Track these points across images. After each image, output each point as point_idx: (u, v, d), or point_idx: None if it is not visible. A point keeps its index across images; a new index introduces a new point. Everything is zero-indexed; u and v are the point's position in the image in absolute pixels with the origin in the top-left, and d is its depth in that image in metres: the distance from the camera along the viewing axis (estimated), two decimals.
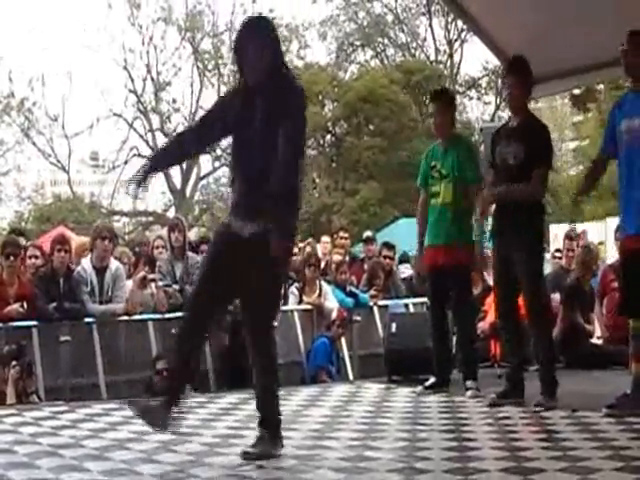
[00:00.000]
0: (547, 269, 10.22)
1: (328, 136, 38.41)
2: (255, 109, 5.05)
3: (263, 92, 5.05)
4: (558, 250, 11.97)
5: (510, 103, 7.26)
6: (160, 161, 5.54)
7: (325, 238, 13.37)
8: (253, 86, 5.11)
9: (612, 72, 8.66)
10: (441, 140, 7.91)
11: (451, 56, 41.60)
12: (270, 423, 5.12)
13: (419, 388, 7.77)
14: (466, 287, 7.85)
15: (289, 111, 5.00)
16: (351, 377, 9.95)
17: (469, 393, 7.42)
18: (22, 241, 9.96)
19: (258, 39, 5.09)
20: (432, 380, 7.78)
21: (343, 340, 10.32)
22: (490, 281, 9.97)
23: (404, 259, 12.77)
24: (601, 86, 27.14)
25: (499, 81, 38.28)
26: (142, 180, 5.26)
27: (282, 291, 5.54)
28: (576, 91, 27.65)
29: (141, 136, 39.03)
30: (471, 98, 42.22)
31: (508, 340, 7.27)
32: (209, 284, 5.15)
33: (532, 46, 8.36)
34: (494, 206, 7.26)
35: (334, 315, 10.18)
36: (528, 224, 6.83)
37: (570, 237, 11.02)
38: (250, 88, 5.13)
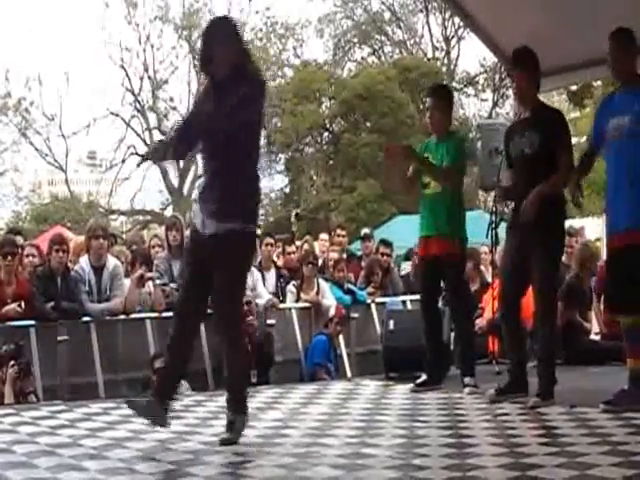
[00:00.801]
0: None
1: (325, 133, 38.41)
2: (217, 105, 5.21)
3: (226, 88, 5.22)
4: None
5: (519, 95, 7.20)
6: (177, 148, 5.54)
7: (324, 236, 13.37)
8: (218, 83, 5.30)
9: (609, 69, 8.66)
10: (435, 134, 7.91)
11: (448, 53, 41.60)
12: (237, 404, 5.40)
13: (410, 386, 7.76)
14: (460, 279, 7.83)
15: (242, 101, 5.18)
16: (349, 374, 9.97)
17: (467, 390, 7.42)
18: (19, 240, 9.95)
19: (222, 38, 5.30)
20: (423, 377, 7.77)
21: (341, 337, 10.34)
22: (488, 277, 10.01)
23: (409, 257, 12.71)
24: (598, 82, 27.09)
25: (496, 78, 38.38)
26: (162, 156, 5.52)
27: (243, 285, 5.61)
28: (573, 87, 27.58)
29: (138, 135, 39.06)
30: (468, 95, 42.23)
31: (509, 336, 7.21)
32: (191, 289, 5.46)
33: (529, 43, 8.35)
34: (504, 199, 7.25)
35: (332, 312, 10.19)
36: (549, 217, 6.71)
37: (569, 233, 11.00)
38: (215, 85, 5.32)
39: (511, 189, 7.17)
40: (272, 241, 11.26)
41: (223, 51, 5.26)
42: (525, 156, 6.87)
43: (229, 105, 5.15)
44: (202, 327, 9.23)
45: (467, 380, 7.55)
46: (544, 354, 6.86)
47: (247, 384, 5.57)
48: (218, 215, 5.25)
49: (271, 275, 10.84)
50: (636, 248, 6.19)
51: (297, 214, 13.44)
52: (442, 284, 7.83)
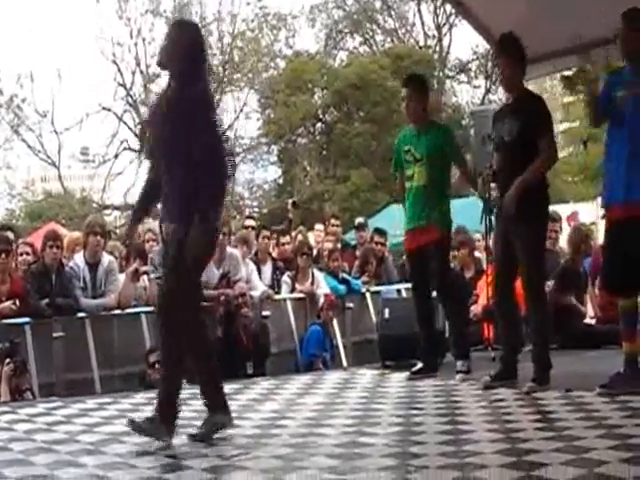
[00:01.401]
0: None
1: (318, 124, 38.36)
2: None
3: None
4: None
5: (503, 82, 7.23)
6: (145, 203, 5.88)
7: (319, 226, 13.37)
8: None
9: (602, 52, 8.64)
10: (414, 124, 7.92)
11: (440, 40, 41.54)
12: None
13: (406, 374, 7.78)
14: (445, 266, 7.89)
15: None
16: (345, 364, 9.98)
17: (458, 376, 7.45)
18: (10, 236, 9.91)
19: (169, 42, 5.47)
20: (419, 366, 7.79)
21: (336, 327, 10.34)
22: (483, 264, 10.01)
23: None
24: (590, 67, 27.10)
25: (489, 65, 38.31)
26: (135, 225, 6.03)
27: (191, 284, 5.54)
28: (567, 72, 27.62)
29: (131, 129, 38.89)
30: (461, 82, 42.17)
31: (503, 321, 7.25)
32: None
33: (521, 28, 8.32)
34: (495, 186, 7.25)
35: (321, 300, 10.20)
36: (532, 205, 6.76)
37: (553, 219, 10.99)
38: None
39: (497, 173, 7.20)
40: (268, 234, 11.26)
41: (169, 56, 5.46)
42: (505, 143, 6.93)
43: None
44: None
45: (459, 365, 7.58)
46: (538, 339, 6.89)
47: (213, 380, 5.52)
48: (170, 217, 5.52)
49: (267, 267, 10.85)
50: (635, 221, 6.18)
51: (294, 202, 13.38)
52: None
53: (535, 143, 6.79)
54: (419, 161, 7.73)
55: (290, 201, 12.34)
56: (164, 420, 5.24)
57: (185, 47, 5.37)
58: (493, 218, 8.21)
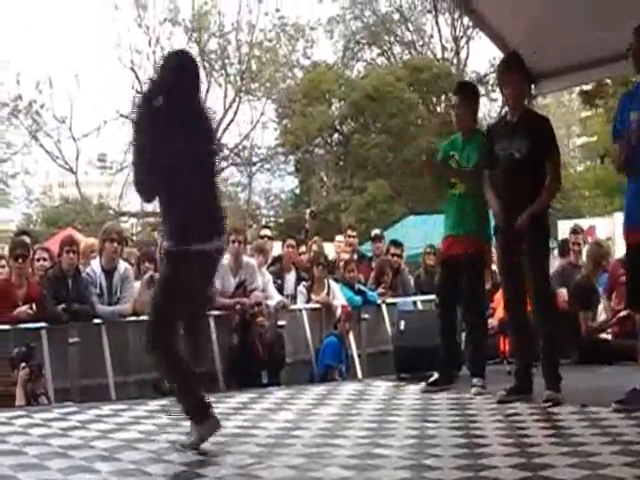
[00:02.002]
0: (554, 265, 10.21)
1: (335, 134, 38.40)
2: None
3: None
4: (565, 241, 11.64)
5: (510, 100, 7.18)
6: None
7: (339, 237, 13.37)
8: None
9: (620, 67, 8.63)
10: (461, 132, 7.90)
11: (458, 53, 41.55)
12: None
13: (421, 385, 7.77)
14: (479, 280, 7.85)
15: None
16: (360, 375, 9.96)
17: (473, 390, 7.41)
18: (27, 240, 9.95)
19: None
20: (435, 377, 7.77)
21: (352, 338, 10.32)
22: (499, 278, 9.99)
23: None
24: (609, 81, 27.05)
25: None
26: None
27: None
28: (586, 87, 27.55)
29: None
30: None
31: (515, 336, 7.25)
32: None
33: (539, 42, 8.35)
34: (496, 201, 7.24)
35: (339, 312, 10.18)
36: (534, 223, 6.80)
37: (576, 231, 10.96)
38: None
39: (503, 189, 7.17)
40: (293, 242, 11.29)
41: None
42: (514, 160, 6.92)
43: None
44: (213, 327, 9.34)
45: (475, 381, 7.54)
46: (547, 351, 6.90)
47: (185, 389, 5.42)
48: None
49: (291, 276, 10.88)
50: None
51: (312, 212, 13.41)
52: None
53: (543, 162, 6.86)
54: (462, 168, 7.71)
55: (308, 211, 12.35)
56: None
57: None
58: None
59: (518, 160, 6.89)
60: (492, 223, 7.42)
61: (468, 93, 8.09)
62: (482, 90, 41.23)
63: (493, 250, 10.33)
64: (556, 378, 6.78)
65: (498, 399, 6.88)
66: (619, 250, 11.93)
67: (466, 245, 7.61)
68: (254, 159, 39.83)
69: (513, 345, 7.50)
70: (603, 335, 9.82)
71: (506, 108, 7.50)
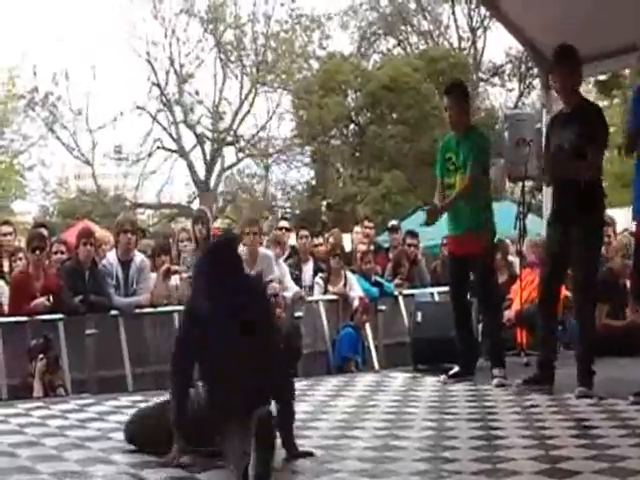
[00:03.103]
0: None
1: (352, 125, 38.32)
2: None
3: None
4: None
5: (561, 93, 7.17)
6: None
7: (357, 228, 13.35)
8: None
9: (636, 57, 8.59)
10: (455, 132, 7.91)
11: (474, 43, 41.41)
12: None
13: (442, 377, 7.77)
14: (489, 274, 7.85)
15: None
16: (377, 366, 9.94)
17: (495, 381, 7.40)
18: (44, 232, 9.97)
19: None
20: (456, 369, 7.78)
21: (368, 329, 10.31)
22: (516, 269, 9.96)
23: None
24: (626, 71, 26.91)
25: (522, 67, 38.16)
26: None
27: None
28: (602, 77, 27.43)
29: (164, 128, 38.98)
30: (494, 85, 42.00)
31: (545, 324, 7.21)
32: None
33: (555, 32, 8.32)
34: (551, 188, 7.23)
35: (356, 303, 10.17)
36: (589, 207, 6.79)
37: (606, 223, 10.87)
38: None
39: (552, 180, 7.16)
40: (307, 233, 11.27)
41: None
42: (563, 151, 6.88)
43: None
44: None
45: (496, 372, 7.53)
46: (584, 344, 6.87)
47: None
48: None
49: (309, 267, 10.86)
50: None
51: (328, 204, 13.31)
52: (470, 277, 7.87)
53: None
54: (459, 169, 7.70)
55: (325, 203, 12.28)
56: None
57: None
58: (527, 223, 8.23)
59: (567, 150, 6.86)
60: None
61: (459, 93, 8.07)
62: (498, 81, 41.28)
63: (509, 242, 10.34)
64: (589, 374, 6.76)
65: (518, 389, 6.87)
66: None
67: (471, 244, 7.62)
68: (270, 150, 39.81)
69: (541, 335, 7.45)
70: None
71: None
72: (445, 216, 7.88)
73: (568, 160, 6.82)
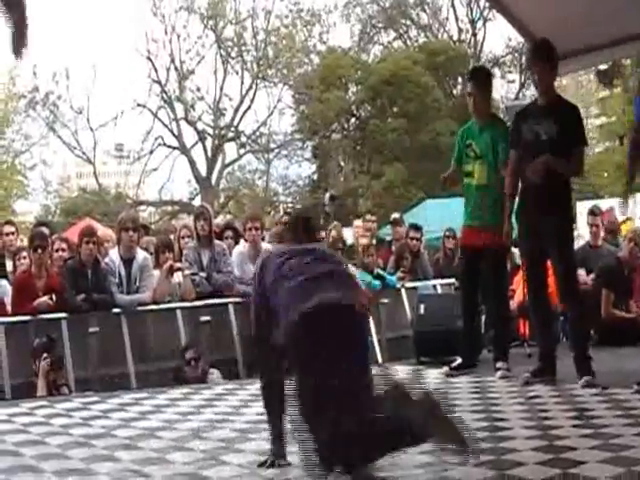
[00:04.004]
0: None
1: (352, 119, 38.35)
2: None
3: None
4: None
5: (539, 86, 7.15)
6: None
7: (357, 222, 13.33)
8: None
9: (637, 47, 8.58)
10: (477, 119, 7.83)
11: (474, 35, 41.37)
12: None
13: (444, 369, 7.76)
14: (502, 269, 7.83)
15: None
16: (379, 359, 9.93)
17: (499, 374, 7.38)
18: (45, 231, 9.98)
19: None
20: (458, 361, 7.77)
21: (371, 323, 10.29)
22: (518, 259, 9.94)
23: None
24: (628, 61, 26.89)
25: (523, 59, 38.10)
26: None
27: None
28: (602, 67, 27.39)
29: (165, 125, 39.07)
30: (495, 77, 41.95)
31: (538, 318, 7.22)
32: None
33: (556, 22, 8.29)
34: (520, 184, 7.21)
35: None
36: (556, 201, 6.79)
37: (593, 213, 10.89)
38: None
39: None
40: None
41: None
42: (541, 141, 6.87)
43: None
44: (233, 315, 9.32)
45: (500, 364, 7.51)
46: (576, 332, 6.90)
47: None
48: None
49: None
50: None
51: (332, 196, 13.28)
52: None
53: (569, 149, 6.80)
54: (480, 158, 7.62)
55: (327, 194, 12.24)
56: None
57: None
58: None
59: (545, 141, 6.85)
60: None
61: (483, 78, 8.00)
62: (498, 72, 41.23)
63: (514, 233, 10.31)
64: (587, 362, 6.75)
65: (522, 382, 6.87)
66: None
67: (484, 237, 7.56)
68: (271, 145, 39.86)
69: (535, 327, 7.48)
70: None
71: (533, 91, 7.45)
72: (463, 206, 7.85)
73: (556, 157, 6.80)
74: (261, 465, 4.53)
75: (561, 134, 6.79)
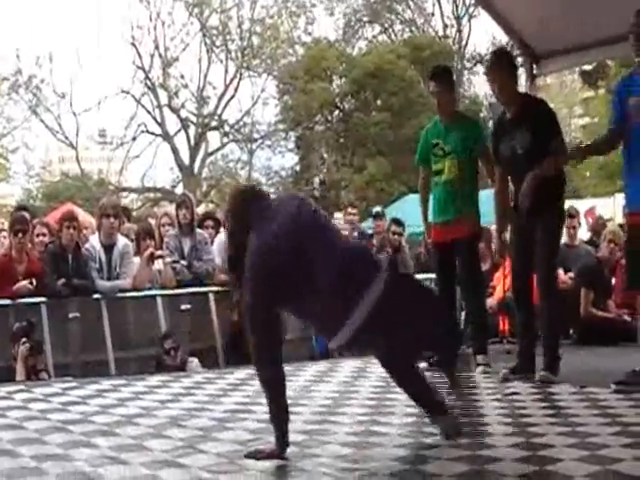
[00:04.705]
0: None
1: (336, 112, 38.31)
2: None
3: None
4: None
5: (502, 98, 7.10)
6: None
7: (338, 214, 13.32)
8: None
9: (622, 48, 8.60)
10: (442, 118, 7.84)
11: (459, 31, 41.41)
12: None
13: (424, 365, 7.77)
14: (474, 261, 7.81)
15: None
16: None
17: (479, 369, 7.42)
18: (26, 215, 9.96)
19: None
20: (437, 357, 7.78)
21: None
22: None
23: None
24: (611, 62, 27.01)
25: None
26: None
27: None
28: (586, 67, 27.52)
29: (149, 112, 38.97)
30: (478, 74, 42.04)
31: (521, 314, 7.24)
32: None
33: (541, 21, 8.33)
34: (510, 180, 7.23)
35: None
36: (548, 199, 6.77)
37: (570, 214, 10.93)
38: None
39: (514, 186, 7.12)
40: None
41: None
42: (517, 156, 6.86)
43: None
44: (213, 303, 9.34)
45: (479, 359, 7.55)
46: (548, 330, 6.93)
47: None
48: None
49: None
50: None
51: (321, 181, 13.21)
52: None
53: (547, 149, 6.74)
54: (449, 155, 7.64)
55: (317, 180, 12.21)
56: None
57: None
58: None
59: (521, 155, 6.82)
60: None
61: (445, 77, 7.99)
62: (482, 69, 41.24)
63: (492, 229, 10.37)
64: (554, 359, 6.80)
65: (501, 378, 6.90)
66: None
67: (454, 230, 7.60)
68: (255, 136, 39.81)
69: (517, 324, 7.51)
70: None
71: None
72: (430, 204, 7.86)
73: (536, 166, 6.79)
74: (251, 456, 4.46)
75: (535, 141, 6.75)
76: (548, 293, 6.91)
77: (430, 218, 7.92)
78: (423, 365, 7.68)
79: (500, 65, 7.04)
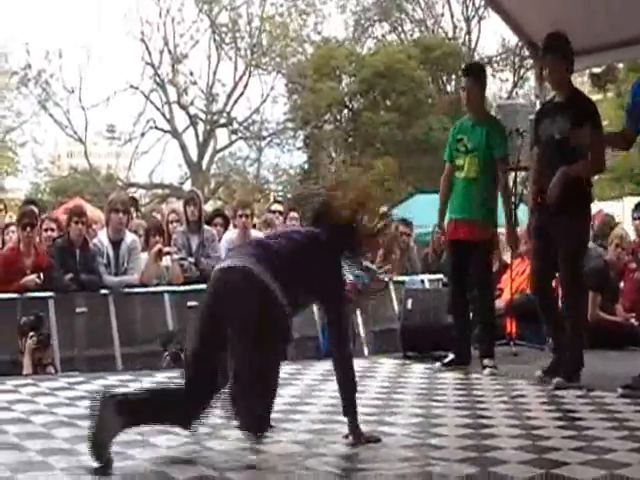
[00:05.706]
0: None
1: (345, 111, 38.28)
2: None
3: None
4: None
5: (552, 81, 7.08)
6: None
7: None
8: None
9: (632, 51, 8.61)
10: (471, 115, 7.84)
11: (469, 33, 41.34)
12: None
13: (437, 365, 7.76)
14: (486, 264, 7.81)
15: None
16: (366, 352, 9.95)
17: (486, 371, 7.41)
18: (34, 209, 9.97)
19: None
20: (451, 357, 7.77)
21: (358, 315, 10.31)
22: (506, 259, 9.97)
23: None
24: (620, 65, 26.95)
25: (516, 59, 38.14)
26: None
27: None
28: (596, 70, 27.43)
29: (158, 108, 38.95)
30: (488, 75, 41.94)
31: (546, 316, 7.16)
32: None
33: (551, 23, 8.30)
34: (533, 180, 7.18)
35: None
36: (574, 199, 6.69)
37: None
38: None
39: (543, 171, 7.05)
40: (296, 215, 11.23)
41: None
42: (554, 141, 6.79)
43: None
44: None
45: (486, 361, 7.54)
46: (573, 336, 6.84)
47: None
48: None
49: None
50: None
51: None
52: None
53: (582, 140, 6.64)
54: (470, 152, 7.64)
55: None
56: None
57: None
58: (519, 213, 8.20)
59: (558, 141, 6.75)
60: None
61: (478, 74, 8.00)
62: (492, 71, 41.23)
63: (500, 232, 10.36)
64: (577, 364, 6.74)
65: (536, 380, 6.86)
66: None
67: (470, 230, 7.60)
68: (263, 133, 39.78)
69: (547, 327, 7.43)
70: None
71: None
72: (453, 199, 7.84)
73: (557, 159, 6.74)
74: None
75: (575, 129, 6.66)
76: (576, 300, 6.86)
77: (447, 213, 7.91)
78: (437, 365, 7.72)
79: (553, 48, 6.93)
